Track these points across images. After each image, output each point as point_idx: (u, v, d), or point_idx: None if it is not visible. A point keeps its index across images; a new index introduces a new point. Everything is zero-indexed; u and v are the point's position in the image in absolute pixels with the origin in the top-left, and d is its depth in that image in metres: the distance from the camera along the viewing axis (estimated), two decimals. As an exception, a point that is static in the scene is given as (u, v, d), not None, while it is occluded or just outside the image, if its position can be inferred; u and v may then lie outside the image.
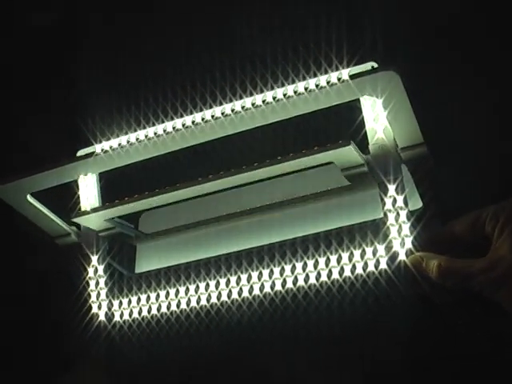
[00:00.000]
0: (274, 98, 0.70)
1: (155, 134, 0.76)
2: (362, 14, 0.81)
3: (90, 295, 0.85)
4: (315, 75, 0.71)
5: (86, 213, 0.81)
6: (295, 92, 0.69)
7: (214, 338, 0.86)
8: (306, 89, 0.68)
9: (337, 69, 0.70)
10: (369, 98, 0.69)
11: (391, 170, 0.68)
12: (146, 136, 0.77)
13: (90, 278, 0.85)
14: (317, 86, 0.68)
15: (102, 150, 0.78)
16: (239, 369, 0.91)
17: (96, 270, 0.85)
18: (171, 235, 0.87)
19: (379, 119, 0.69)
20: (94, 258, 0.85)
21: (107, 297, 0.85)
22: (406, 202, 0.67)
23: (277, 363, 0.87)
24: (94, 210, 0.81)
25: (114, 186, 0.85)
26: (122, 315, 0.84)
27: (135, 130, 0.79)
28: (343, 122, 0.73)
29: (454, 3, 0.81)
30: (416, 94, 0.65)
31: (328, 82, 0.67)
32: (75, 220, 0.82)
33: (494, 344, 0.71)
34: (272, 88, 0.72)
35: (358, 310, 0.75)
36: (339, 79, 0.67)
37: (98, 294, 0.85)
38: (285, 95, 0.70)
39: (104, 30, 1.04)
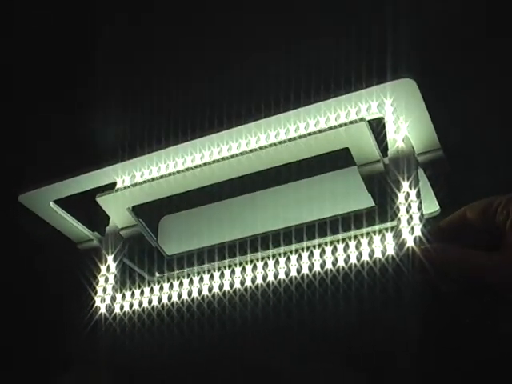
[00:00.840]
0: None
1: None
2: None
3: (96, 290, 0.86)
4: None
5: (110, 192, 0.84)
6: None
7: (211, 328, 0.89)
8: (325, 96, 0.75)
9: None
10: (391, 114, 0.75)
11: (405, 168, 0.73)
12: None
13: (101, 275, 0.86)
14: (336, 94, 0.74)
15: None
16: (239, 360, 0.94)
17: (108, 268, 0.86)
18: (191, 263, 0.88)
19: (400, 131, 0.75)
20: (110, 258, 0.87)
21: (112, 290, 0.85)
22: (418, 195, 0.71)
23: (279, 353, 0.91)
24: (118, 190, 0.84)
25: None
26: (122, 307, 0.85)
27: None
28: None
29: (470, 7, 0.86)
30: (434, 99, 0.71)
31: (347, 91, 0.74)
32: (99, 199, 0.84)
33: (502, 336, 0.72)
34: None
35: (364, 297, 0.77)
36: (357, 88, 0.73)
37: (105, 289, 0.86)
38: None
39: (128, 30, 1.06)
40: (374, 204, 0.78)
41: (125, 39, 1.06)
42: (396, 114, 0.74)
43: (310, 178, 0.85)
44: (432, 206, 0.77)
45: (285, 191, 0.87)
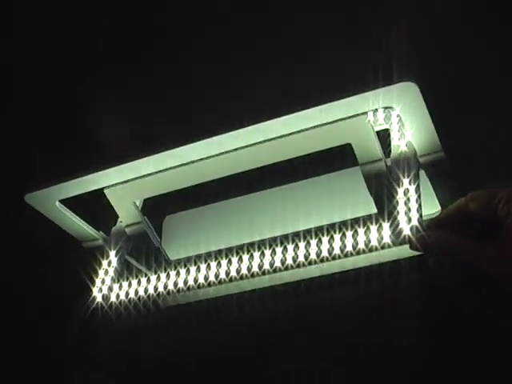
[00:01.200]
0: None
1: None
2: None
3: (95, 282, 0.86)
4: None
5: (118, 184, 0.84)
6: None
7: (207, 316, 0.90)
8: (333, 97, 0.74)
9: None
10: (396, 124, 0.77)
11: (406, 167, 0.73)
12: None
13: (102, 268, 0.87)
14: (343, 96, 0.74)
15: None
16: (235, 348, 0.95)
17: (110, 263, 0.87)
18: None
19: (404, 137, 0.76)
20: (112, 253, 0.87)
21: (110, 281, 0.86)
22: (417, 190, 0.71)
23: (276, 340, 0.91)
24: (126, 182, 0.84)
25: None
26: (118, 296, 0.85)
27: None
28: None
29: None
30: (434, 99, 0.71)
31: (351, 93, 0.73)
32: (107, 191, 0.84)
33: (501, 326, 0.72)
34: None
35: (361, 287, 0.78)
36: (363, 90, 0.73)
37: (103, 281, 0.86)
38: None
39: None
40: (375, 210, 0.78)
41: (125, 39, 1.07)
42: (401, 124, 0.75)
43: (312, 179, 0.86)
44: (433, 207, 0.77)
45: (287, 192, 0.87)
